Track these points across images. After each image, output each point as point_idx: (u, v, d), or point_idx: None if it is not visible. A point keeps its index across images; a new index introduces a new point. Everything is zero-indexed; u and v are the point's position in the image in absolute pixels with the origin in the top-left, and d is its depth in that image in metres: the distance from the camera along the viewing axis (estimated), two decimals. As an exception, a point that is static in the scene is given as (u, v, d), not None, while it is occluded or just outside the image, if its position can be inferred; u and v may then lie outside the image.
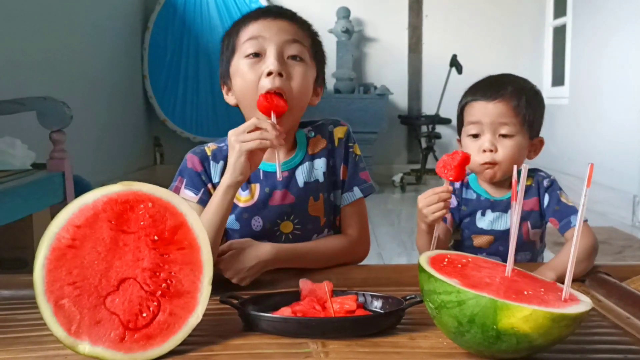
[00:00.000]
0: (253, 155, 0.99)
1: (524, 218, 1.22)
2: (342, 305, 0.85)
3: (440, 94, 4.97)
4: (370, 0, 5.54)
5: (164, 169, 5.27)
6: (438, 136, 5.11)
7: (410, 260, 2.82)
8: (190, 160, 1.13)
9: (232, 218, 1.12)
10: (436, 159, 5.03)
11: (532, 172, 1.23)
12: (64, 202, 2.14)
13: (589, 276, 1.06)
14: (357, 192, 1.17)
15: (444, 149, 5.25)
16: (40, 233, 0.76)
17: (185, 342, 0.75)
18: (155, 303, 0.75)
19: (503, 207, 1.23)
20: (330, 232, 1.18)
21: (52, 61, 3.42)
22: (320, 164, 1.15)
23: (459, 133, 1.28)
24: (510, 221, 0.78)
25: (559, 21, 5.15)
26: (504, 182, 1.24)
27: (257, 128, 0.98)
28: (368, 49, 5.60)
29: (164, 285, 0.76)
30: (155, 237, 0.77)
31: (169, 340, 0.74)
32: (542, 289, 0.73)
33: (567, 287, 0.72)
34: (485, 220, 1.23)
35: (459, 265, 0.77)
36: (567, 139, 4.65)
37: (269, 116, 1.03)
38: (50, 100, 2.18)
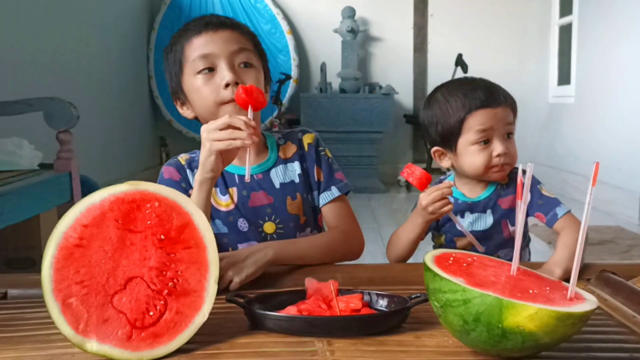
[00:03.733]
0: (225, 153, 1.00)
1: (502, 216, 1.24)
2: (348, 304, 0.86)
3: (446, 94, 4.95)
4: (376, 0, 5.54)
5: (169, 169, 5.28)
6: (443, 135, 5.10)
7: (415, 259, 2.81)
8: (167, 171, 1.17)
9: (219, 223, 1.16)
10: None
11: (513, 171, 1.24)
12: (70, 202, 2.15)
13: (594, 275, 1.06)
14: (335, 191, 1.20)
15: (450, 148, 5.24)
16: (47, 233, 0.76)
17: (191, 341, 0.76)
18: (162, 302, 0.76)
19: (481, 207, 1.24)
20: (314, 232, 1.21)
21: (59, 62, 3.44)
22: (294, 167, 1.19)
23: (450, 145, 1.24)
24: (516, 220, 0.78)
25: (565, 20, 5.13)
26: (479, 183, 1.26)
27: (229, 126, 0.97)
28: (373, 48, 5.60)
29: (170, 284, 0.77)
30: (162, 237, 0.78)
31: (175, 338, 0.75)
32: (548, 288, 0.73)
33: (572, 286, 0.72)
34: (465, 222, 1.24)
35: (464, 264, 0.77)
36: (573, 138, 4.63)
37: (247, 109, 1.03)
38: (57, 101, 2.19)
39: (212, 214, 1.15)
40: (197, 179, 1.03)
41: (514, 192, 1.22)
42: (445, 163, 1.28)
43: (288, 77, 5.11)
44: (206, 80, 1.10)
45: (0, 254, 2.16)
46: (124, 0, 4.84)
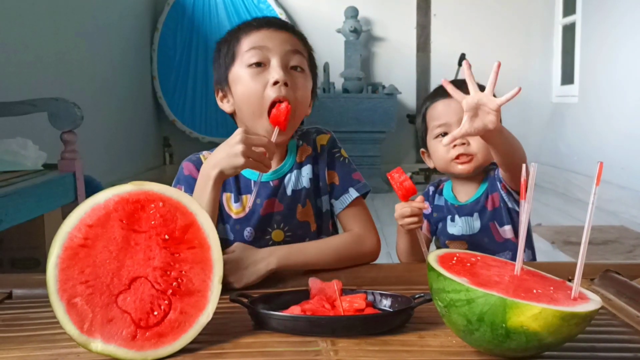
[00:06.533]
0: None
1: (489, 219, 1.21)
2: (352, 304, 0.86)
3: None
4: (379, 0, 5.54)
5: (173, 169, 5.29)
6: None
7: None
8: (187, 167, 1.15)
9: (227, 228, 1.14)
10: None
11: (490, 167, 1.23)
12: (75, 202, 2.16)
13: (598, 274, 1.06)
14: (353, 193, 1.16)
15: (453, 148, 5.23)
16: (51, 233, 0.77)
17: (195, 341, 0.76)
18: (166, 302, 0.76)
19: (467, 211, 1.23)
20: (323, 237, 1.17)
21: (63, 63, 3.45)
22: (306, 170, 1.16)
23: (424, 143, 1.27)
24: (520, 220, 0.78)
25: (569, 19, 5.12)
26: (472, 186, 1.24)
27: (265, 146, 1.00)
28: (376, 48, 5.60)
29: (174, 284, 0.77)
30: (166, 236, 0.78)
31: (180, 338, 0.75)
32: (552, 288, 0.73)
33: (576, 286, 0.72)
34: (456, 226, 1.23)
35: (468, 264, 0.77)
36: (577, 138, 4.62)
37: (274, 126, 1.06)
38: (62, 101, 2.20)
39: (224, 218, 1.14)
40: (210, 173, 1.01)
41: (496, 189, 1.20)
42: (430, 163, 1.28)
43: (291, 77, 5.10)
44: (255, 74, 1.08)
45: (4, 254, 2.17)
46: (127, 1, 4.85)
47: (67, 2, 3.57)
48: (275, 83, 1.06)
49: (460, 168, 1.21)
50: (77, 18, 3.70)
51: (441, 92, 1.22)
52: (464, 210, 1.23)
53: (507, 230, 1.21)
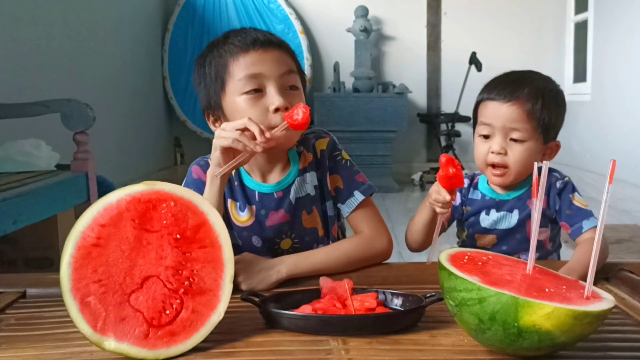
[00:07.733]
0: (230, 153, 1.01)
1: (528, 215, 1.19)
2: (363, 303, 0.86)
3: (460, 92, 4.93)
4: (389, -1, 5.53)
5: (184, 169, 5.30)
6: (457, 134, 5.08)
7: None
8: (196, 172, 1.16)
9: (235, 235, 1.14)
10: (456, 157, 4.99)
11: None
12: (87, 202, 2.17)
13: (612, 273, 1.05)
14: (358, 196, 1.15)
15: (464, 147, 5.21)
16: (64, 233, 0.77)
17: (207, 339, 0.76)
18: (178, 300, 0.76)
19: (509, 206, 1.20)
20: (330, 242, 1.17)
21: (75, 64, 3.47)
22: (310, 177, 1.15)
23: (474, 129, 1.26)
24: (532, 218, 0.78)
25: (581, 17, 5.08)
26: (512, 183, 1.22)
27: (246, 128, 0.99)
28: (386, 47, 5.59)
29: (186, 283, 0.77)
30: (178, 236, 0.79)
31: (191, 337, 0.75)
32: (564, 287, 0.73)
33: (589, 285, 0.71)
34: (489, 220, 1.21)
35: (480, 263, 0.77)
36: (589, 136, 4.58)
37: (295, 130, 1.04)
38: (74, 102, 2.21)
39: (230, 224, 1.14)
40: (208, 173, 1.04)
41: (547, 194, 1.17)
42: None
43: (301, 76, 5.10)
44: (253, 102, 1.06)
45: (18, 254, 2.19)
46: (138, 2, 4.88)
47: (78, 4, 3.59)
48: (277, 110, 1.05)
49: (494, 179, 1.19)
50: (88, 20, 3.73)
51: (497, 91, 1.18)
52: (505, 206, 1.21)
53: (541, 232, 1.20)
